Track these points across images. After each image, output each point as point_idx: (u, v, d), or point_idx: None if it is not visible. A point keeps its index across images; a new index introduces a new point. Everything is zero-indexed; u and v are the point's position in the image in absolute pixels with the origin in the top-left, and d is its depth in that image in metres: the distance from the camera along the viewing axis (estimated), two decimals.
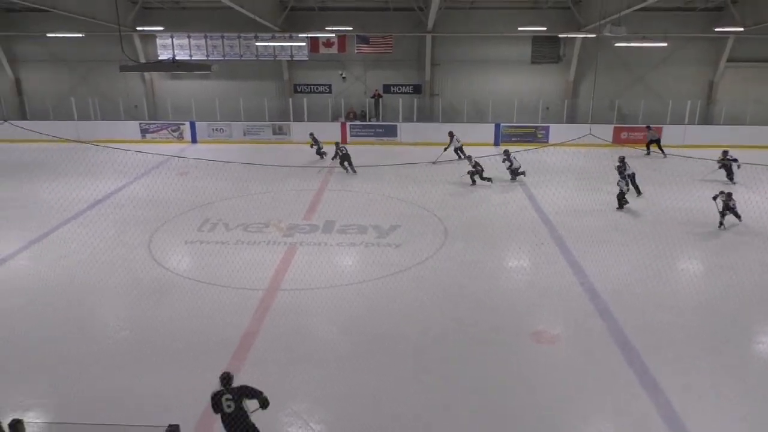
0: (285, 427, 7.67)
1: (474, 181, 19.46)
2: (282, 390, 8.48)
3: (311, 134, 23.96)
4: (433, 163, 21.34)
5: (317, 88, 29.35)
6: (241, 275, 12.16)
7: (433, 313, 10.79)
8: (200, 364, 9.08)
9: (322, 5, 27.06)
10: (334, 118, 28.46)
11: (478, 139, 26.29)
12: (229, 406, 6.95)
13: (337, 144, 21.96)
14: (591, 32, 24.35)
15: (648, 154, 24.23)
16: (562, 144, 23.61)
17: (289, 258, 13.37)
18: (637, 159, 22.78)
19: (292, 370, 8.96)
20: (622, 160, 18.05)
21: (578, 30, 25.67)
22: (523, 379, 8.75)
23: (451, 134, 22.76)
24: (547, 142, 26.51)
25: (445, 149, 22.42)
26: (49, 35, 26.45)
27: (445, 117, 27.96)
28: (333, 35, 26.99)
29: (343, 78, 28.98)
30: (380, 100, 28.63)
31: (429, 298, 11.42)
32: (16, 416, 6.13)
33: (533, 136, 26.89)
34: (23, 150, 24.75)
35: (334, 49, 27.57)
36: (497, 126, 26.97)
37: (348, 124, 27.47)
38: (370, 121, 28.37)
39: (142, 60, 27.72)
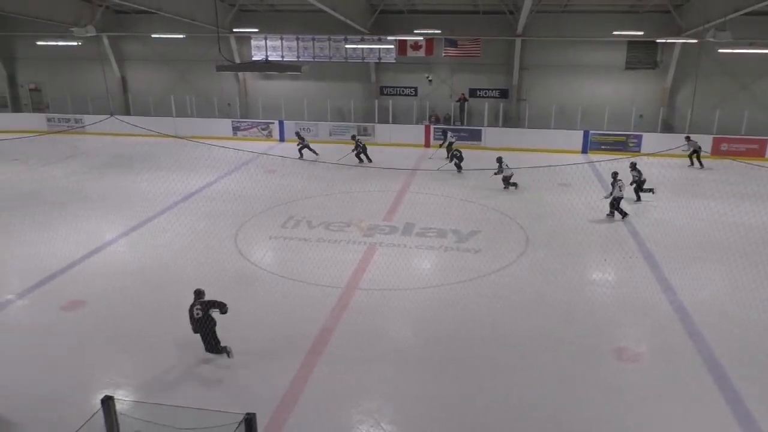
0: (356, 425, 7.75)
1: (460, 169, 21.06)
2: (355, 388, 8.59)
3: (297, 132, 25.01)
4: (429, 158, 23.44)
5: (403, 91, 29.51)
6: (321, 272, 12.41)
7: (510, 320, 10.60)
8: (278, 357, 9.35)
9: (412, 8, 27.18)
10: (419, 121, 28.52)
11: (565, 146, 25.59)
12: (197, 313, 9.03)
13: (353, 136, 23.76)
14: (692, 37, 23.17)
15: (692, 165, 23.25)
16: (655, 154, 22.58)
17: (369, 258, 13.51)
18: (688, 170, 21.49)
19: (367, 369, 9.04)
20: (633, 166, 17.98)
21: (678, 35, 24.46)
22: (602, 395, 8.42)
23: (445, 132, 24.64)
24: (639, 151, 25.40)
25: (441, 146, 24.04)
26: (153, 36, 28.08)
27: (532, 123, 27.37)
28: (421, 38, 27.06)
29: (430, 81, 28.99)
30: (465, 103, 28.42)
31: (507, 305, 11.22)
32: (108, 393, 6.53)
33: (624, 145, 25.84)
34: (127, 143, 26.37)
35: (421, 52, 27.63)
36: (586, 133, 26.12)
37: (432, 126, 27.44)
38: (454, 124, 28.21)
39: (237, 60, 28.86)
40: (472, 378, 8.81)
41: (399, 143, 26.41)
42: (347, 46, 27.81)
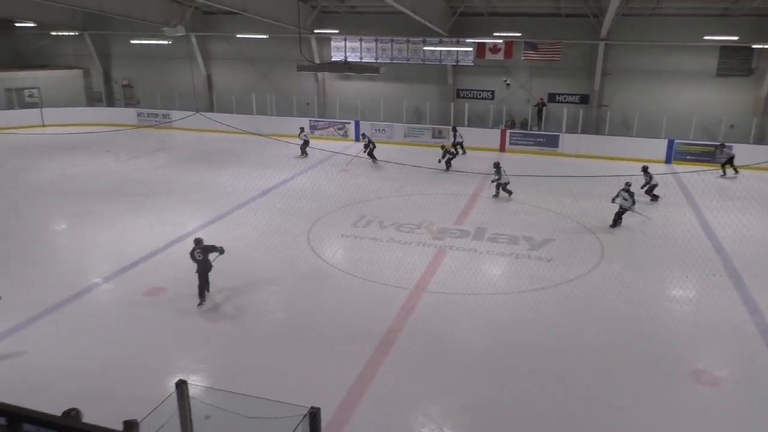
0: (419, 428, 7.75)
1: (449, 167, 21.93)
2: (419, 390, 8.59)
3: (301, 128, 25.62)
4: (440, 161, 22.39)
5: (480, 94, 29.23)
6: (390, 273, 12.48)
7: (581, 333, 10.29)
8: (344, 353, 9.49)
9: (492, 11, 26.87)
10: (495, 125, 28.17)
11: (648, 155, 24.53)
12: (198, 256, 11.00)
13: (363, 135, 25.17)
14: None
15: (732, 174, 22.17)
16: (747, 167, 21.35)
17: (438, 261, 13.48)
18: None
19: (432, 372, 9.03)
20: (645, 169, 18.48)
21: None
22: (678, 418, 8.04)
23: (454, 129, 25.21)
24: None
25: (453, 144, 24.46)
26: (238, 36, 29.09)
27: (613, 130, 26.47)
28: (500, 41, 26.72)
29: (507, 85, 28.58)
30: (544, 108, 27.83)
31: (578, 317, 10.91)
32: (182, 377, 6.81)
33: (712, 156, 24.52)
34: (210, 139, 27.40)
35: (500, 56, 27.29)
36: (671, 143, 24.97)
37: (508, 131, 27.05)
38: (531, 129, 27.69)
39: (317, 61, 29.44)
40: (540, 390, 8.62)
41: (474, 147, 26.16)
42: (425, 48, 27.83)
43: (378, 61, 28.78)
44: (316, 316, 10.83)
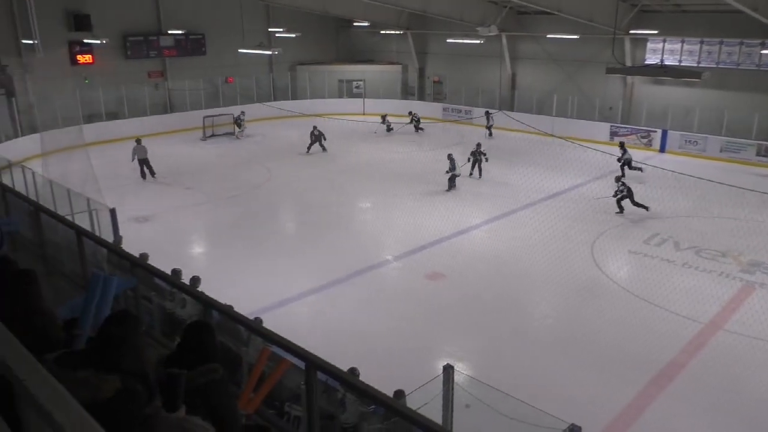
0: None
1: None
2: None
3: (410, 113, 29.60)
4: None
5: None
6: (681, 301, 11.27)
7: None
8: (614, 375, 8.93)
9: None
10: None
11: None
12: (316, 132, 23.27)
13: (410, 112, 29.37)
14: None
15: None
16: None
17: (743, 297, 11.71)
18: None
19: (717, 420, 7.96)
20: (621, 145, 20.42)
21: None
22: None
23: (487, 113, 27.90)
24: None
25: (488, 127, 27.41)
26: (548, 36, 28.94)
27: None
28: None
29: None
30: None
31: None
32: (450, 362, 7.17)
33: None
34: (506, 137, 27.89)
35: None
36: None
37: None
38: None
39: (629, 63, 27.67)
40: None
41: None
42: (763, 51, 24.06)
43: (700, 65, 25.82)
44: (587, 331, 10.36)
